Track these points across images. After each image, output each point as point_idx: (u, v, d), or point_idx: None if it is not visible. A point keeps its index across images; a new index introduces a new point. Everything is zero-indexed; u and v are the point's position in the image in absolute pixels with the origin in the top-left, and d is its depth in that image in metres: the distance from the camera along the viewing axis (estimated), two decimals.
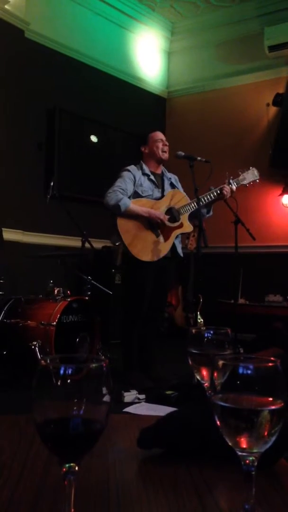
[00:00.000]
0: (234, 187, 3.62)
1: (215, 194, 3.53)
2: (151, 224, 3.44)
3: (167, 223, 3.46)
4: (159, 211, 3.46)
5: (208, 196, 3.54)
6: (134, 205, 3.41)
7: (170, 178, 3.71)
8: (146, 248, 3.41)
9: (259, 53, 5.81)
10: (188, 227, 3.57)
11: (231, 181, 3.64)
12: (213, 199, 3.55)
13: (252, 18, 5.95)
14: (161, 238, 3.48)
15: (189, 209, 3.54)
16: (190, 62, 6.57)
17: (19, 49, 4.81)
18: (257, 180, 3.81)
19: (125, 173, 3.51)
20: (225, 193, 3.53)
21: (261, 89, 5.90)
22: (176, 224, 3.52)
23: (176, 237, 3.57)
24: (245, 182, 3.73)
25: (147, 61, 6.42)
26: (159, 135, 3.65)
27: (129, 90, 6.12)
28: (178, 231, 3.53)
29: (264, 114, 5.87)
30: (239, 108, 6.08)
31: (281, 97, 5.60)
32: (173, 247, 3.57)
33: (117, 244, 3.43)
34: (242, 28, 6.05)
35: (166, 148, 3.62)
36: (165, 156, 3.62)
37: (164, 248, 3.48)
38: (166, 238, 3.49)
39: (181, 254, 3.64)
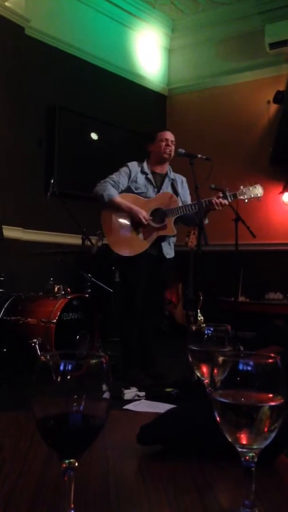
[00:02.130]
0: (229, 200, 3.50)
1: (204, 204, 3.45)
2: (133, 220, 3.46)
3: (148, 223, 3.48)
4: (145, 209, 3.47)
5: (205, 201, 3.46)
6: (119, 198, 3.48)
7: (173, 179, 3.68)
8: (122, 242, 3.49)
9: (259, 50, 5.79)
10: (171, 230, 3.53)
11: (227, 193, 3.51)
12: (205, 209, 3.46)
13: (252, 15, 5.94)
14: (141, 236, 3.50)
15: (176, 213, 3.50)
16: (191, 59, 6.56)
17: (19, 46, 4.80)
18: (259, 199, 3.61)
19: (122, 168, 3.60)
20: (214, 205, 3.43)
21: (261, 86, 5.89)
22: (160, 225, 3.51)
23: (164, 239, 3.55)
24: (244, 197, 3.57)
25: (148, 58, 6.40)
26: (165, 134, 3.64)
27: (130, 88, 6.10)
28: (161, 233, 3.52)
29: (265, 112, 5.86)
30: (240, 106, 6.07)
31: (281, 94, 5.59)
32: (159, 248, 3.55)
33: (97, 232, 3.57)
34: (243, 25, 6.04)
35: (169, 149, 3.60)
36: (166, 156, 3.61)
37: (141, 246, 3.49)
38: (145, 237, 3.50)
39: (167, 256, 3.60)
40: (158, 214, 3.52)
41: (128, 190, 3.55)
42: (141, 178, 3.57)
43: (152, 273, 3.55)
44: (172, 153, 3.63)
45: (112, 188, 3.48)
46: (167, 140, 3.61)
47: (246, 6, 5.92)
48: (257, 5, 5.87)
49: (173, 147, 3.63)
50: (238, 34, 6.10)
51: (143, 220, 3.45)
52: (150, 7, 6.15)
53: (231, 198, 3.52)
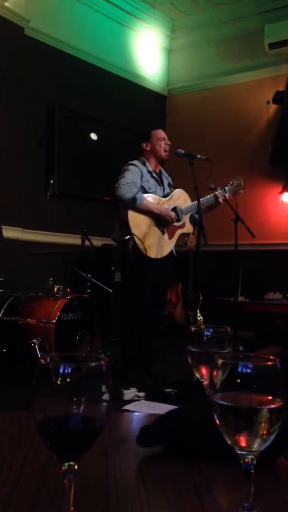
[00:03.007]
0: (227, 196, 3.66)
1: (212, 198, 3.59)
2: (158, 221, 3.45)
3: (175, 223, 3.52)
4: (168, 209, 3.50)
5: (208, 198, 3.58)
6: (148, 201, 3.42)
7: (167, 178, 3.73)
8: (153, 244, 3.44)
9: (259, 51, 5.79)
10: (189, 228, 3.66)
11: (226, 188, 3.67)
12: (210, 203, 3.58)
13: (252, 15, 5.94)
14: (166, 236, 3.50)
15: (191, 210, 3.60)
16: (190, 59, 6.56)
17: (19, 47, 4.80)
18: (242, 191, 3.78)
19: (132, 168, 3.48)
20: (220, 200, 3.58)
21: (261, 86, 5.89)
22: (180, 223, 3.56)
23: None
24: (232, 191, 3.74)
25: (147, 59, 6.40)
26: (163, 133, 3.65)
27: (129, 88, 6.10)
28: (181, 231, 3.57)
29: (264, 112, 5.86)
30: (239, 106, 6.07)
31: (281, 94, 5.59)
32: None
33: (126, 238, 3.39)
34: (243, 26, 6.04)
35: (168, 148, 3.62)
36: (167, 155, 3.62)
37: (168, 246, 3.52)
38: (170, 237, 3.53)
39: (175, 254, 3.67)
40: (176, 213, 3.55)
41: (141, 189, 3.50)
42: (150, 178, 3.57)
43: (160, 270, 3.55)
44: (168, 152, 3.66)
45: (138, 191, 3.38)
46: (164, 139, 3.62)
47: (245, 6, 5.92)
48: (257, 5, 5.87)
49: (169, 146, 3.66)
50: (237, 34, 6.10)
51: (174, 220, 3.47)
52: (150, 8, 6.15)
53: (226, 192, 3.68)
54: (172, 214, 3.46)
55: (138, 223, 3.37)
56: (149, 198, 3.46)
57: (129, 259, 3.42)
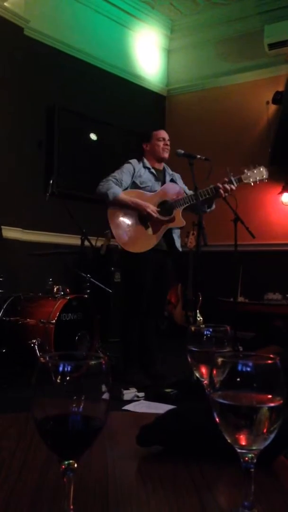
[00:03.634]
0: (234, 185, 3.43)
1: (211, 191, 3.42)
2: (141, 216, 3.44)
3: (157, 216, 3.44)
4: (151, 203, 3.46)
5: (205, 192, 3.45)
6: (124, 195, 3.42)
7: (172, 175, 3.71)
8: (133, 239, 3.42)
9: (259, 51, 5.80)
10: (180, 222, 3.51)
11: (232, 178, 3.45)
12: (210, 197, 3.47)
13: (252, 16, 5.94)
14: (150, 231, 3.46)
15: (183, 203, 3.47)
16: (190, 60, 6.56)
17: (18, 47, 4.80)
18: (265, 180, 3.51)
19: (124, 165, 3.54)
20: (221, 192, 3.40)
21: (260, 87, 5.90)
22: (167, 217, 3.49)
23: (173, 231, 3.57)
24: (249, 180, 3.47)
25: (147, 59, 6.41)
26: (162, 133, 3.65)
27: (129, 88, 6.11)
28: (169, 225, 3.50)
29: (264, 112, 5.87)
30: (239, 106, 6.08)
31: (280, 95, 5.60)
32: (171, 241, 3.56)
33: (105, 232, 3.43)
34: (242, 26, 6.04)
35: (167, 147, 3.62)
36: (166, 155, 3.63)
37: (152, 241, 3.45)
38: (155, 231, 3.47)
39: (180, 249, 3.63)
40: (166, 207, 3.50)
41: (133, 185, 3.52)
42: (145, 173, 3.56)
43: (159, 268, 3.53)
44: (169, 152, 3.65)
45: (116, 186, 3.42)
46: (164, 139, 3.62)
47: (245, 7, 5.93)
48: (256, 6, 5.87)
49: (169, 146, 3.65)
50: (237, 35, 6.11)
51: (152, 213, 3.40)
52: (149, 8, 6.16)
53: (236, 183, 3.44)
54: (149, 208, 3.40)
55: (116, 219, 3.43)
56: (134, 193, 3.46)
57: (102, 254, 3.45)
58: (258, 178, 3.48)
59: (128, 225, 3.44)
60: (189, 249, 5.22)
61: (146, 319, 3.54)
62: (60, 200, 4.18)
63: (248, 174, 3.48)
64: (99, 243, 5.09)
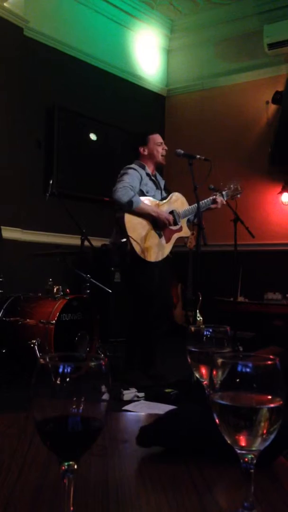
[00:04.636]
0: (224, 200, 3.75)
1: (209, 202, 3.64)
2: (155, 224, 3.45)
3: (172, 226, 3.52)
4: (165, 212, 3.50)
5: (206, 202, 3.61)
6: (145, 205, 3.42)
7: (162, 180, 3.75)
8: (150, 248, 3.43)
9: (258, 51, 5.80)
10: (186, 231, 3.66)
11: (223, 192, 3.75)
12: (208, 207, 3.63)
13: (251, 16, 5.94)
14: (163, 240, 3.50)
15: (188, 213, 3.60)
16: (189, 60, 6.56)
17: (18, 47, 4.80)
18: (239, 195, 3.87)
19: (131, 171, 3.47)
20: (218, 202, 3.65)
21: (260, 87, 5.90)
22: (177, 227, 3.56)
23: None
24: (229, 195, 3.83)
25: (146, 59, 6.40)
26: (160, 138, 3.64)
27: (128, 88, 6.11)
28: (178, 235, 3.57)
29: (264, 112, 5.87)
30: (239, 106, 6.08)
31: (280, 94, 5.59)
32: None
33: (122, 241, 3.39)
34: (242, 26, 6.04)
35: (165, 152, 3.62)
36: (164, 159, 3.64)
37: (166, 250, 3.53)
38: (167, 240, 3.53)
39: (170, 255, 3.69)
40: (173, 216, 3.56)
41: (139, 193, 3.49)
42: (149, 181, 3.57)
43: (160, 273, 3.55)
44: None
45: (135, 194, 3.38)
46: (162, 143, 3.62)
47: (244, 7, 5.93)
48: (256, 6, 5.87)
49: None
50: (236, 35, 6.11)
51: (171, 222, 3.48)
52: (149, 8, 6.16)
53: (226, 197, 3.77)
54: (170, 217, 3.47)
55: (134, 226, 3.37)
56: (146, 201, 3.45)
57: (127, 263, 3.41)
58: (234, 193, 3.85)
59: (144, 233, 3.42)
60: (189, 249, 5.22)
61: (154, 323, 3.54)
62: (60, 200, 4.17)
63: (227, 192, 3.82)
64: (98, 243, 5.09)
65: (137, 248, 3.36)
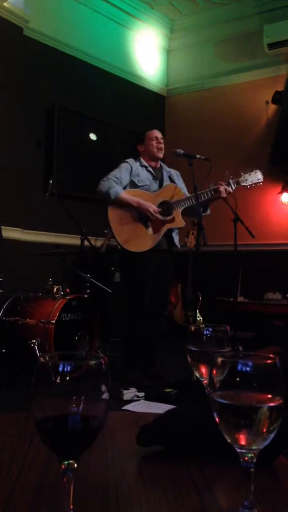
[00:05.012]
0: (232, 188, 3.55)
1: (211, 193, 3.49)
2: (141, 215, 3.44)
3: (158, 216, 3.46)
4: (152, 203, 3.46)
5: (205, 195, 3.50)
6: (126, 195, 3.43)
7: (169, 172, 3.72)
8: (133, 238, 3.42)
9: (258, 51, 5.80)
10: (179, 222, 3.54)
11: (230, 181, 3.57)
12: (210, 198, 3.51)
13: (251, 16, 5.94)
14: (150, 230, 3.47)
15: (183, 205, 3.51)
16: (189, 59, 6.56)
17: (18, 47, 4.80)
18: (260, 183, 3.69)
19: (122, 164, 3.56)
20: (221, 192, 3.46)
21: (260, 86, 5.90)
22: (168, 218, 3.51)
23: (173, 230, 3.58)
24: (246, 183, 3.63)
25: (146, 59, 6.40)
26: (154, 133, 3.66)
27: (128, 88, 6.11)
28: (169, 225, 3.52)
29: (264, 112, 5.87)
30: (239, 106, 6.08)
31: (280, 94, 5.59)
32: (170, 239, 3.58)
33: (105, 231, 3.43)
34: (241, 26, 6.04)
35: (160, 146, 3.63)
36: (160, 154, 3.64)
37: (152, 241, 3.46)
38: (155, 231, 3.48)
39: (178, 245, 3.66)
40: (165, 207, 3.52)
41: (131, 184, 3.53)
42: (142, 172, 3.57)
43: (160, 267, 3.54)
44: (163, 151, 3.66)
45: (117, 185, 3.43)
46: (157, 138, 3.63)
47: (244, 7, 5.93)
48: (256, 6, 5.87)
49: (163, 145, 3.65)
50: (236, 35, 6.11)
51: (154, 214, 3.42)
52: (149, 8, 6.16)
53: (234, 185, 3.58)
54: (151, 207, 3.41)
55: (116, 217, 3.42)
56: (135, 193, 3.46)
57: (119, 257, 3.44)
58: (254, 181, 3.65)
59: (128, 224, 3.44)
60: (189, 249, 5.22)
61: (148, 319, 3.54)
62: (60, 200, 4.18)
63: (245, 177, 3.64)
64: (98, 243, 5.09)
65: (120, 239, 3.41)
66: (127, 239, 3.42)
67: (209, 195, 3.49)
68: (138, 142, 3.69)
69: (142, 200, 3.43)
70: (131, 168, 3.53)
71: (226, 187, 3.49)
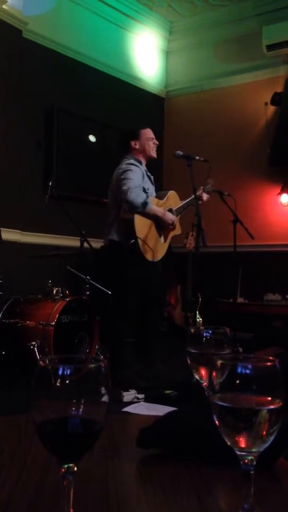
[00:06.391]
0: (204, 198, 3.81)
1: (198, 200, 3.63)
2: (158, 224, 3.46)
3: (174, 226, 3.55)
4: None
5: (191, 200, 3.63)
6: (154, 206, 3.44)
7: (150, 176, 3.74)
8: (152, 247, 3.45)
9: (257, 52, 5.80)
10: (179, 229, 3.66)
11: (206, 189, 3.83)
12: (192, 203, 3.65)
13: (250, 17, 5.95)
14: (162, 239, 3.52)
15: (181, 210, 3.65)
16: (188, 61, 6.57)
17: (17, 49, 4.81)
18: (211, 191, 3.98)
19: (135, 168, 3.47)
20: (204, 199, 3.73)
21: (259, 88, 5.90)
22: (172, 226, 3.56)
23: None
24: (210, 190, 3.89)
25: (145, 61, 6.41)
26: (151, 133, 3.67)
27: (128, 90, 6.11)
28: (173, 233, 3.58)
29: (262, 113, 5.87)
30: (238, 107, 6.08)
31: (279, 96, 5.60)
32: (169, 247, 3.64)
33: (131, 242, 3.38)
34: (240, 27, 6.05)
35: (155, 147, 3.66)
36: (155, 154, 3.66)
37: (164, 249, 3.55)
38: (165, 239, 3.54)
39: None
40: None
41: None
42: (147, 178, 3.59)
43: (156, 273, 3.57)
44: None
45: (145, 194, 3.39)
46: (153, 138, 3.64)
47: (243, 8, 5.94)
48: (254, 7, 5.88)
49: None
50: (235, 36, 6.12)
51: (174, 224, 3.51)
52: (148, 10, 6.16)
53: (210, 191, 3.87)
54: (173, 217, 3.50)
55: (142, 226, 3.39)
56: (154, 202, 3.48)
57: (127, 261, 3.42)
58: (211, 189, 3.93)
59: (150, 233, 3.45)
60: (188, 250, 5.22)
61: (145, 321, 3.54)
62: (59, 201, 4.17)
63: (209, 185, 3.91)
64: (98, 245, 5.08)
65: (145, 248, 3.40)
66: (148, 248, 3.40)
67: (197, 202, 3.57)
68: (131, 137, 3.64)
69: (164, 211, 3.48)
70: (143, 174, 3.52)
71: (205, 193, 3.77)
